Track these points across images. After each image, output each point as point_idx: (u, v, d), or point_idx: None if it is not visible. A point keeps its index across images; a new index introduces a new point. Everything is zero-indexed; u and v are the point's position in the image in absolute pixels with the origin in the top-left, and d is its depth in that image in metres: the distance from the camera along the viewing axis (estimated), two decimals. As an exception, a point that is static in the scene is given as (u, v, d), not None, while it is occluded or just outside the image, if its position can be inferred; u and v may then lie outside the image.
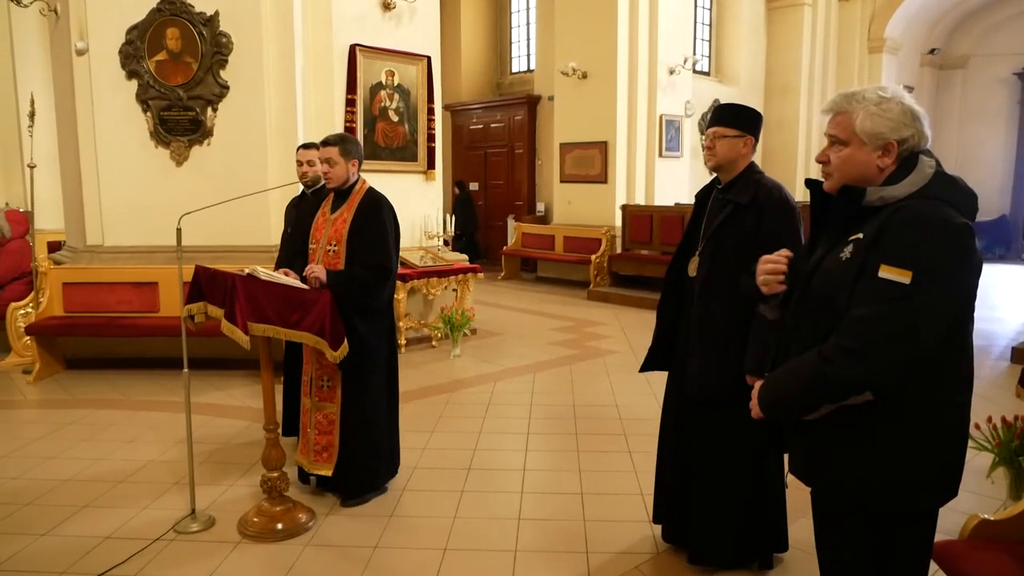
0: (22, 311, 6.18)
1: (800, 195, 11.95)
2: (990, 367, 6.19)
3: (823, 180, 1.87)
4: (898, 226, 1.62)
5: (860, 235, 1.68)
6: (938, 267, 1.58)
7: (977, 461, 3.78)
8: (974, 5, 15.67)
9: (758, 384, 1.94)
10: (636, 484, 3.79)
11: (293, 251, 4.06)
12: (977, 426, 3.47)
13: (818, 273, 1.80)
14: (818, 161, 1.85)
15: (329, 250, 3.48)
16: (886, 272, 1.59)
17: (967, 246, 1.62)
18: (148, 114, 6.18)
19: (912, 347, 1.59)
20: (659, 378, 3.28)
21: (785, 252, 1.98)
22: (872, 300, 1.60)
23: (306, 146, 4.32)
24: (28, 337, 5.95)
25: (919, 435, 1.68)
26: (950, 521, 2.39)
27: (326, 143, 3.53)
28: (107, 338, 6.04)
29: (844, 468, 1.73)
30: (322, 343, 3.10)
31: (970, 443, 3.45)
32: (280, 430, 3.41)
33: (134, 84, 6.15)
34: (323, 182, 4.13)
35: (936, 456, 1.70)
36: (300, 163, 4.26)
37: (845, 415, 1.70)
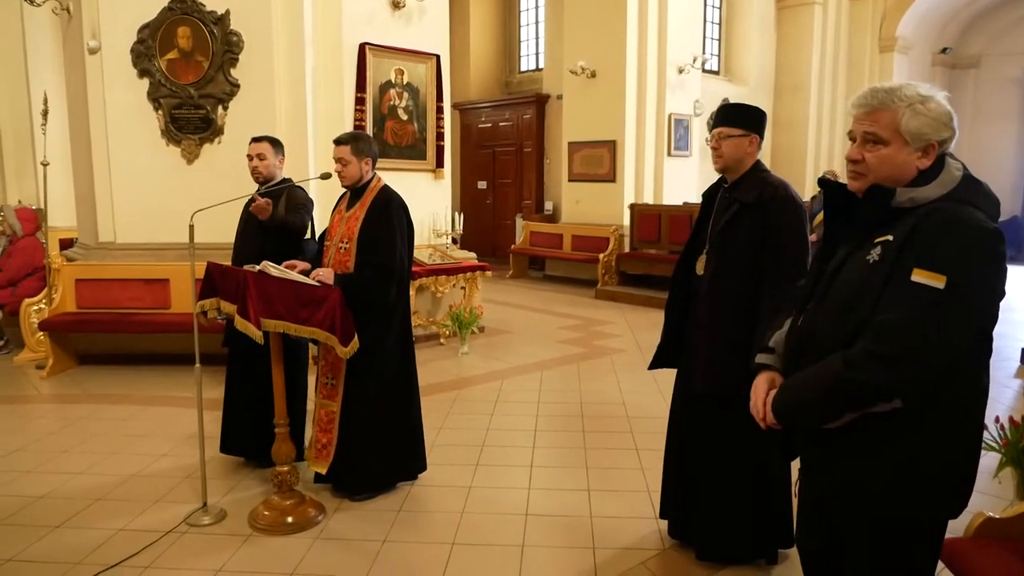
0: (35, 307, 6.25)
1: (809, 195, 11.91)
2: (999, 368, 6.18)
3: (840, 179, 1.81)
4: (932, 229, 1.56)
5: (889, 237, 1.62)
6: (972, 272, 1.54)
7: (985, 461, 3.77)
8: (987, 4, 15.57)
9: (764, 388, 1.90)
10: (643, 481, 3.81)
11: (241, 246, 3.97)
12: (985, 426, 3.46)
13: (840, 275, 1.74)
14: (850, 159, 1.73)
15: (341, 247, 3.50)
16: (919, 276, 1.53)
17: (1000, 252, 1.58)
18: (159, 112, 6.23)
19: (943, 353, 1.54)
20: (666, 376, 3.29)
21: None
22: (904, 304, 1.54)
23: (256, 139, 4.05)
24: (41, 333, 6.02)
25: (939, 446, 1.63)
26: (956, 520, 2.40)
27: (338, 142, 3.54)
28: (119, 334, 6.09)
29: (860, 477, 1.67)
30: (332, 339, 3.13)
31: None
32: (287, 428, 3.43)
33: (145, 82, 6.20)
34: (274, 180, 4.02)
35: (953, 467, 1.65)
36: (250, 157, 4.00)
37: (862, 423, 1.65)
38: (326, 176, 3.88)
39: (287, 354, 3.67)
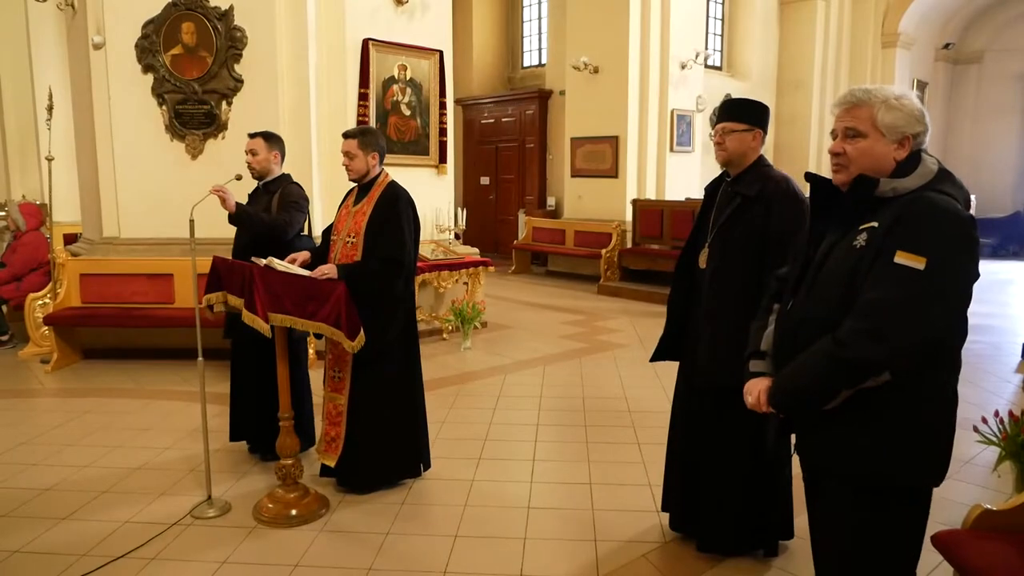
0: (40, 302, 6.28)
1: (808, 190, 11.92)
2: (1000, 363, 6.19)
3: (825, 174, 1.92)
4: (915, 215, 1.69)
5: (874, 224, 1.75)
6: (951, 255, 1.67)
7: (984, 455, 3.82)
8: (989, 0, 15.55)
9: (760, 383, 1.98)
10: (644, 475, 3.83)
11: (246, 242, 3.92)
12: (984, 420, 3.49)
13: (829, 262, 1.85)
14: (833, 153, 1.88)
15: (348, 242, 3.51)
16: (901, 258, 1.66)
17: (974, 237, 1.71)
18: (163, 108, 6.25)
19: (925, 328, 1.66)
20: (668, 371, 3.31)
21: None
22: (886, 284, 1.67)
23: (251, 135, 4.05)
24: (46, 327, 6.05)
25: (921, 415, 1.75)
26: (954, 512, 2.43)
27: (346, 135, 3.55)
28: (123, 329, 6.14)
29: (849, 445, 1.79)
30: (338, 334, 3.15)
31: (977, 437, 3.49)
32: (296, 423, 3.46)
33: (150, 78, 6.22)
34: (271, 176, 4.04)
35: (937, 437, 1.79)
36: (246, 152, 4.02)
37: (854, 398, 1.76)
38: (263, 174, 3.94)
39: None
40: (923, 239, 1.66)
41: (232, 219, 3.90)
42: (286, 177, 4.09)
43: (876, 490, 1.80)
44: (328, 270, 3.34)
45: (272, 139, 4.05)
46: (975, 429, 3.51)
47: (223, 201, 3.76)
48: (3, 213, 8.04)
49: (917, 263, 1.64)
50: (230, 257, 3.80)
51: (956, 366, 1.81)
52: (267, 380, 3.68)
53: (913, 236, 1.67)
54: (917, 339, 1.66)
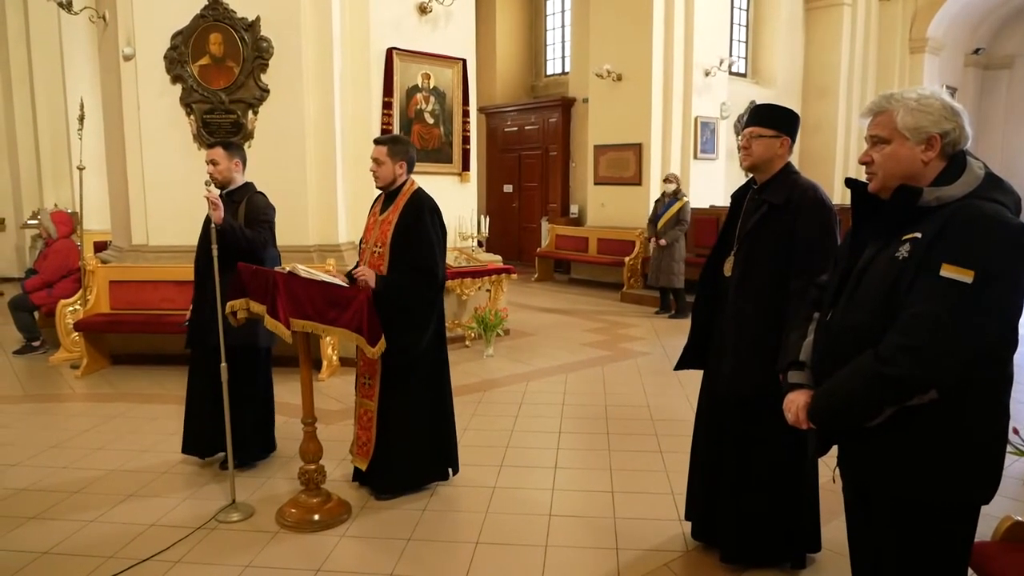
0: (71, 308, 6.39)
1: (838, 197, 11.79)
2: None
3: (864, 180, 1.88)
4: (960, 225, 1.62)
5: (918, 234, 1.68)
6: (1000, 267, 1.59)
7: (1016, 467, 3.73)
8: (1021, 4, 15.28)
9: (800, 395, 1.94)
10: (667, 483, 3.80)
11: (202, 253, 3.87)
12: (1016, 431, 3.41)
13: (869, 272, 1.80)
14: (861, 162, 1.86)
15: (375, 251, 3.54)
16: (948, 271, 1.59)
17: None
18: (191, 117, 6.35)
19: (972, 345, 1.60)
20: (691, 379, 3.29)
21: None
22: (932, 298, 1.61)
23: (210, 145, 4.03)
24: (76, 333, 6.16)
25: (971, 431, 1.69)
26: (983, 524, 2.37)
27: (377, 142, 3.58)
28: (151, 335, 6.22)
29: (897, 464, 1.74)
30: (360, 339, 3.17)
31: (1008, 448, 3.40)
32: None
33: (178, 88, 6.32)
34: (233, 184, 3.97)
35: (985, 451, 1.72)
36: (207, 163, 3.93)
37: (899, 413, 1.71)
38: (224, 184, 3.91)
39: (239, 355, 3.73)
40: (970, 251, 1.59)
41: (216, 231, 3.57)
42: (250, 186, 4.03)
43: (924, 506, 1.75)
44: (368, 274, 3.36)
45: (232, 148, 4.00)
46: (1006, 440, 3.44)
47: (214, 208, 3.59)
48: (35, 221, 8.20)
49: (964, 276, 1.58)
50: (193, 267, 3.96)
51: (1006, 378, 1.73)
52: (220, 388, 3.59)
53: (959, 248, 1.60)
54: (963, 357, 1.60)
